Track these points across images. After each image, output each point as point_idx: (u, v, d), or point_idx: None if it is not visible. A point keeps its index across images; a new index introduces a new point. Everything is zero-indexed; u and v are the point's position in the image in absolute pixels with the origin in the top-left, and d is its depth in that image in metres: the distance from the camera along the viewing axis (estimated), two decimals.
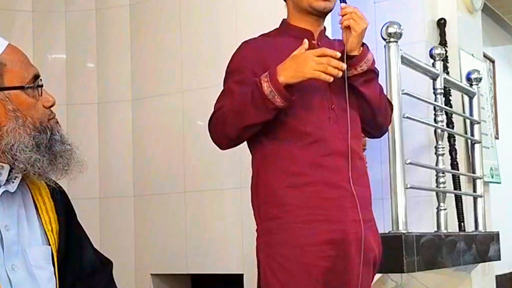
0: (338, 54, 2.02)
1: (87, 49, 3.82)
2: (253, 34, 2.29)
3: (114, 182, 3.75)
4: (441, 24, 4.12)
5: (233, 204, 3.38)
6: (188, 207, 3.54)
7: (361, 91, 2.17)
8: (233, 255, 3.38)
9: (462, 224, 3.95)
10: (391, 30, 3.03)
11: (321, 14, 2.22)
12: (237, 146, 2.22)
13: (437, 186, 3.51)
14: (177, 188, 3.56)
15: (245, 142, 2.21)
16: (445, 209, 3.46)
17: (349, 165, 2.11)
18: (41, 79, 1.54)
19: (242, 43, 2.25)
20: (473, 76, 4.00)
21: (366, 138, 2.81)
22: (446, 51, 3.96)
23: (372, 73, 2.18)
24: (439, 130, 3.53)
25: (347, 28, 2.10)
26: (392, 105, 2.44)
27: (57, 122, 1.56)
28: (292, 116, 2.11)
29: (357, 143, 2.20)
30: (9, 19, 3.71)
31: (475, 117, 4.00)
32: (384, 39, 3.05)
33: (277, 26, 2.30)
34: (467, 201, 4.02)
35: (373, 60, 2.18)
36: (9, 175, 1.50)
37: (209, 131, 2.18)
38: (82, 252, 1.65)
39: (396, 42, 3.04)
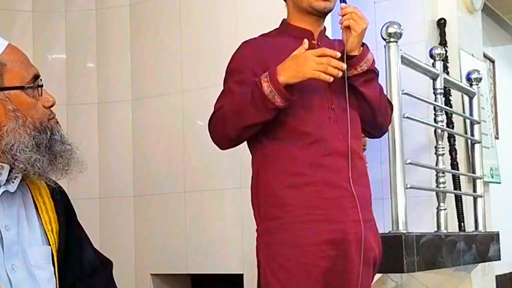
0: (338, 54, 2.02)
1: (87, 49, 3.82)
2: (253, 34, 2.29)
3: (114, 182, 3.75)
4: (441, 24, 4.12)
5: (233, 204, 3.38)
6: (188, 207, 3.53)
7: (361, 91, 2.17)
8: (233, 255, 3.38)
9: (462, 224, 3.95)
10: (391, 30, 3.03)
11: (321, 14, 2.22)
12: (237, 146, 2.22)
13: (437, 186, 3.50)
14: (177, 188, 3.56)
15: (245, 142, 2.21)
16: (445, 209, 3.46)
17: (349, 165, 2.11)
18: (41, 79, 1.54)
19: (242, 43, 2.25)
20: (473, 76, 4.00)
21: (366, 138, 2.80)
22: (446, 51, 3.96)
23: (372, 73, 2.18)
24: (439, 130, 3.53)
25: (347, 28, 2.10)
26: (392, 105, 2.44)
27: (57, 122, 1.56)
28: (292, 116, 2.11)
29: (357, 143, 2.20)
30: (9, 19, 3.71)
31: (475, 117, 3.99)
32: (384, 39, 3.05)
33: (277, 26, 2.30)
34: (467, 201, 4.02)
35: (373, 60, 2.18)
36: (9, 175, 1.50)
37: (209, 131, 2.18)
38: (82, 252, 1.65)
39: (396, 42, 3.04)
